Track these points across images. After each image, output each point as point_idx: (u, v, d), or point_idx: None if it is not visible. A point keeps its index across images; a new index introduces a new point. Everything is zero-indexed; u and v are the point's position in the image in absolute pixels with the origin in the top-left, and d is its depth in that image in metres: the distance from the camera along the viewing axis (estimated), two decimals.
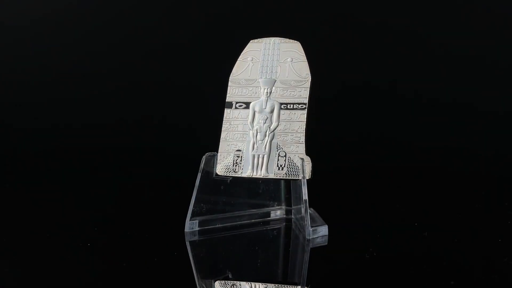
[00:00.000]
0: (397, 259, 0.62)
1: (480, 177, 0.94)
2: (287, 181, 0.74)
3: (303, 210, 0.70)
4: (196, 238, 0.68)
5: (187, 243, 0.67)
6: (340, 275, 0.59)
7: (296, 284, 0.58)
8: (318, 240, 0.66)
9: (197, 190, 0.68)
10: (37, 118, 1.16)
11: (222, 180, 0.70)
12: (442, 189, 0.89)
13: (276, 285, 0.58)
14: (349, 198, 0.84)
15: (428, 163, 1.02)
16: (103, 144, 1.11)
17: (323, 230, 0.67)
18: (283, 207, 0.76)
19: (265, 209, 0.75)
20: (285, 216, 0.75)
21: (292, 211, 0.75)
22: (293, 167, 0.67)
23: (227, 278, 0.59)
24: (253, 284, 0.58)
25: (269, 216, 0.75)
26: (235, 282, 0.58)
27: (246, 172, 0.68)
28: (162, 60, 1.17)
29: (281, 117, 0.69)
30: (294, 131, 0.68)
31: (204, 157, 0.69)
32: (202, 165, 0.69)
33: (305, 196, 0.66)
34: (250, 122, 0.69)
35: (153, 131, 1.15)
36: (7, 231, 0.73)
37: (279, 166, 0.68)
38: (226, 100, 0.71)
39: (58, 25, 1.19)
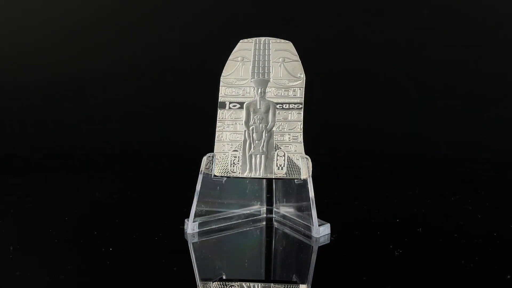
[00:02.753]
0: (396, 256, 0.64)
1: (474, 178, 0.98)
2: (269, 181, 0.75)
3: (292, 210, 0.72)
4: (196, 239, 0.68)
5: (190, 245, 0.66)
6: (346, 273, 0.60)
7: (303, 284, 0.58)
8: (321, 239, 0.67)
9: (200, 191, 0.68)
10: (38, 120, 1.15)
11: (218, 181, 0.70)
12: (438, 187, 0.93)
13: (287, 285, 0.58)
14: (340, 196, 0.87)
15: (426, 162, 1.06)
16: (100, 145, 1.09)
17: (326, 228, 0.68)
18: (265, 206, 0.76)
19: (252, 209, 0.76)
20: (265, 215, 0.76)
21: (273, 210, 0.76)
22: (293, 166, 0.68)
23: (232, 280, 0.58)
24: (261, 284, 0.58)
25: (256, 215, 0.76)
26: (242, 283, 0.58)
27: (244, 172, 0.68)
28: (158, 59, 1.17)
29: (277, 117, 0.69)
30: (292, 131, 0.69)
31: (204, 158, 0.68)
32: (202, 167, 0.68)
33: (311, 195, 0.67)
34: (245, 122, 0.69)
35: (148, 132, 1.14)
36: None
37: (279, 166, 0.68)
38: (219, 101, 0.70)
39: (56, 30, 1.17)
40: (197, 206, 0.68)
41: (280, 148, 0.68)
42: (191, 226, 0.68)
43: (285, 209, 0.74)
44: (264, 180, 0.75)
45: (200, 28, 1.16)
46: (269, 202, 0.76)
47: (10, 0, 1.17)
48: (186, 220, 0.69)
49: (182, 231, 0.69)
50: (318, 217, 0.68)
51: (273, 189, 0.76)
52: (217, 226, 0.71)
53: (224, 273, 0.60)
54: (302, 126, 0.69)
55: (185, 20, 1.17)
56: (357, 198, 0.86)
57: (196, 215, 0.68)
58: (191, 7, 1.17)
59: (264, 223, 0.74)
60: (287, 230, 0.71)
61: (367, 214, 0.78)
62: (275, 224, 0.74)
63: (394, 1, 1.15)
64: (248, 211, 0.75)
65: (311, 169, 0.67)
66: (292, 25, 1.12)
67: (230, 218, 0.73)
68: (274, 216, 0.76)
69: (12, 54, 1.17)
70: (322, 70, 1.06)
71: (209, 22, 1.15)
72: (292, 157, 0.68)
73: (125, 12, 1.17)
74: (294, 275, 0.60)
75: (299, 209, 0.71)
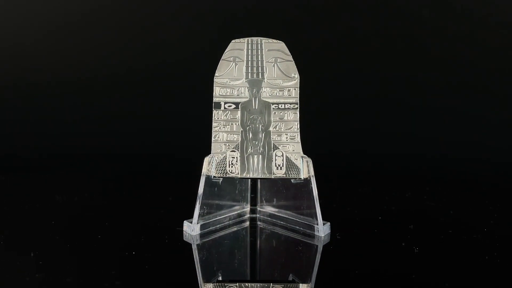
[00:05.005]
0: (391, 253, 0.65)
1: (474, 178, 1.00)
2: (253, 181, 0.76)
3: (285, 210, 0.73)
4: (199, 241, 0.67)
5: (194, 247, 0.66)
6: (356, 269, 0.61)
7: (306, 283, 0.59)
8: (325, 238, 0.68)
9: (202, 193, 0.68)
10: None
11: (215, 182, 0.69)
12: (436, 187, 0.94)
13: (297, 284, 0.59)
14: (336, 196, 0.87)
15: (426, 162, 1.07)
16: (98, 146, 1.10)
17: (327, 227, 0.69)
18: (249, 206, 0.77)
19: (241, 209, 0.76)
20: (249, 215, 0.76)
21: (257, 209, 0.76)
22: (291, 166, 0.68)
23: (240, 281, 0.59)
24: (275, 285, 0.58)
25: (245, 215, 0.76)
26: (248, 284, 0.58)
27: (243, 173, 0.68)
28: (155, 60, 1.17)
29: (273, 117, 0.69)
30: (289, 131, 0.69)
31: (205, 159, 0.68)
32: (204, 169, 0.68)
33: (315, 194, 0.67)
34: (241, 122, 0.69)
35: (144, 133, 1.13)
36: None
37: (277, 165, 0.68)
38: (214, 101, 0.70)
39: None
40: (202, 208, 0.68)
41: (278, 148, 0.69)
42: (195, 228, 0.68)
43: (275, 209, 0.75)
44: (249, 180, 0.75)
45: (194, 28, 1.16)
46: (253, 202, 0.77)
47: (10, 0, 1.17)
48: (185, 221, 0.69)
49: (180, 232, 0.69)
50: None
51: (257, 189, 0.77)
52: (214, 227, 0.71)
53: (232, 275, 0.61)
54: (299, 126, 0.69)
55: (179, 21, 1.17)
56: (354, 197, 0.88)
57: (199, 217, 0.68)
58: (186, 8, 1.17)
59: (256, 222, 0.75)
60: (282, 230, 0.71)
61: (364, 213, 0.79)
62: (261, 224, 0.74)
63: (393, 0, 1.15)
64: (237, 212, 0.75)
65: (311, 168, 0.68)
66: (292, 26, 1.13)
67: (224, 219, 0.73)
68: (259, 215, 0.76)
69: (11, 54, 1.16)
70: (321, 71, 1.07)
71: (202, 23, 1.16)
72: (291, 156, 0.68)
73: (124, 14, 1.17)
74: (290, 275, 0.60)
75: (295, 208, 0.72)
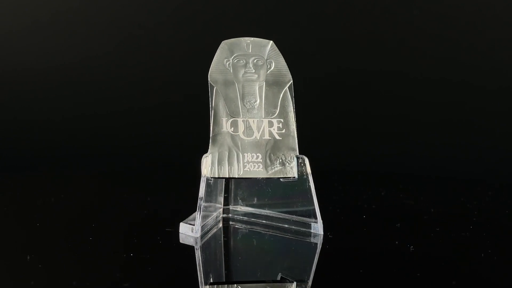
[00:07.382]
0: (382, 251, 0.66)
1: (471, 179, 1.04)
2: (227, 181, 0.76)
3: (269, 209, 0.74)
4: (200, 243, 0.66)
5: (198, 249, 0.65)
6: (359, 266, 0.62)
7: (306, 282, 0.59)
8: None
9: (204, 194, 0.66)
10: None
11: (208, 182, 0.68)
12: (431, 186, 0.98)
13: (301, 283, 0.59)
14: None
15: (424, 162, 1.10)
16: (93, 146, 1.09)
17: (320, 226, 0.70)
18: (222, 206, 0.77)
19: (219, 209, 0.76)
20: (224, 215, 0.76)
21: (231, 209, 0.77)
22: (289, 166, 0.69)
23: (244, 282, 0.59)
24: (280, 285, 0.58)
25: (225, 215, 0.76)
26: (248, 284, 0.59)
27: (240, 172, 0.68)
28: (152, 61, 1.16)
29: (269, 116, 0.69)
30: (284, 130, 0.69)
31: (203, 160, 0.67)
32: (203, 171, 0.66)
33: (313, 192, 0.68)
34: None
35: (140, 132, 1.11)
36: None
37: (275, 165, 0.69)
38: (210, 101, 0.69)
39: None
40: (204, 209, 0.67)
41: (273, 148, 0.69)
42: (198, 231, 0.67)
43: (253, 208, 0.75)
44: (223, 180, 0.75)
45: (189, 28, 1.16)
46: (226, 202, 0.77)
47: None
48: (182, 223, 0.68)
49: (175, 234, 0.68)
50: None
51: (230, 188, 0.76)
52: (206, 228, 0.70)
53: (240, 275, 0.61)
54: (295, 125, 0.70)
55: (175, 22, 1.17)
56: (344, 196, 0.91)
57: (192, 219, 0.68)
58: (181, 8, 1.17)
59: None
60: (274, 230, 0.71)
61: (354, 212, 0.82)
62: (230, 223, 0.74)
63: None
64: (218, 211, 0.75)
65: (309, 167, 0.68)
66: (290, 26, 1.12)
67: (211, 220, 0.72)
68: (232, 215, 0.76)
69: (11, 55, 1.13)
70: (317, 72, 1.08)
71: (197, 24, 1.16)
72: (286, 156, 0.69)
73: (118, 14, 1.17)
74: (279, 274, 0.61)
75: (283, 206, 0.72)
